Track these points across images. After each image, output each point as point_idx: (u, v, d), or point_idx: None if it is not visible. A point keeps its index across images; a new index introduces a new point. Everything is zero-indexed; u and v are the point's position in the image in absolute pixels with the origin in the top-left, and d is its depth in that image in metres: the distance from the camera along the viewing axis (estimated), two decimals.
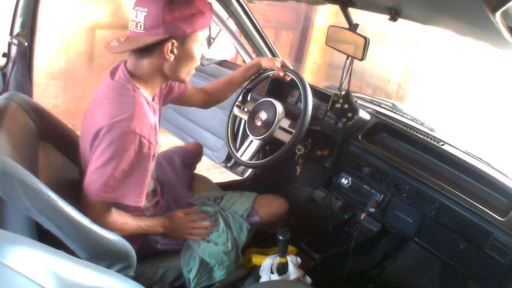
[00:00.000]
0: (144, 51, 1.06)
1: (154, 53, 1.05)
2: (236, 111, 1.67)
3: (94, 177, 1.00)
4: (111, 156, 0.98)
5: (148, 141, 1.02)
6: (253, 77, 1.62)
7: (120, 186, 1.01)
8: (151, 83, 1.12)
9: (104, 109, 1.02)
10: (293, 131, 1.43)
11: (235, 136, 1.76)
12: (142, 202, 1.07)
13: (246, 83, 1.66)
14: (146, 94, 1.11)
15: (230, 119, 1.68)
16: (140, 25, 1.01)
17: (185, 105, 1.52)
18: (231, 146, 1.64)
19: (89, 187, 1.01)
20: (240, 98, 1.67)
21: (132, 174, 1.01)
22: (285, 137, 1.49)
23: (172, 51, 1.05)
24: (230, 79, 1.55)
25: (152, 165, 1.18)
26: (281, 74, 1.49)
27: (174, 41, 1.04)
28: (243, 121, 1.83)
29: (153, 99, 1.17)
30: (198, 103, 1.54)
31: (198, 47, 1.11)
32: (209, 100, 1.55)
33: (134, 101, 1.03)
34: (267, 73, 1.57)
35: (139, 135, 0.99)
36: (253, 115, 1.58)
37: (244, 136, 1.78)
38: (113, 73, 1.12)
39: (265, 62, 1.52)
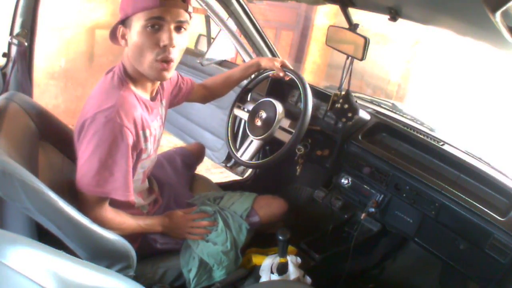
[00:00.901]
0: (116, 40, 1.08)
1: (119, 42, 1.06)
2: (236, 111, 1.67)
3: (84, 172, 1.00)
4: (95, 146, 0.97)
5: (130, 132, 1.01)
6: (252, 76, 1.62)
7: (109, 179, 1.00)
8: (139, 79, 1.10)
9: (90, 101, 1.03)
10: (293, 131, 1.43)
11: (235, 136, 1.76)
12: (131, 197, 1.06)
13: (246, 82, 1.66)
14: (138, 91, 1.11)
15: (230, 119, 1.68)
16: None
17: (187, 101, 1.52)
18: (231, 146, 1.64)
19: (80, 183, 1.01)
20: (239, 98, 1.67)
21: (117, 165, 1.00)
22: (285, 137, 1.49)
23: (123, 37, 1.04)
24: (228, 77, 1.56)
25: (146, 162, 1.18)
26: (281, 74, 1.49)
27: (121, 26, 1.03)
28: (243, 121, 1.83)
29: (152, 99, 1.17)
30: (199, 99, 1.55)
31: (145, 32, 0.98)
32: (208, 95, 1.57)
33: (119, 93, 1.03)
34: (267, 73, 1.57)
35: (119, 124, 0.98)
36: (253, 115, 1.58)
37: (244, 136, 1.78)
38: (109, 70, 1.12)
39: (264, 62, 1.52)
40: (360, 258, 1.70)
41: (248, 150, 1.58)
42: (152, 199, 1.35)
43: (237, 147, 1.66)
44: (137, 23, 0.99)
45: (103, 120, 0.97)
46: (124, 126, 0.99)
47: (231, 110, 1.68)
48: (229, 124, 1.68)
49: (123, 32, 1.04)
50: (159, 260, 1.30)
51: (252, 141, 1.57)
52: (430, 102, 4.65)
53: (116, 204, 1.11)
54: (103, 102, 1.00)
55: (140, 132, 1.07)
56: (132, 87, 1.09)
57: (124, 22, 1.02)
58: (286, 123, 1.52)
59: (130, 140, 1.02)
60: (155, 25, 0.98)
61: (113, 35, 1.08)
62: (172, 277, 1.30)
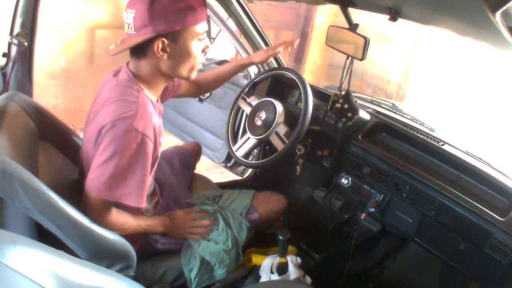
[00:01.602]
0: (139, 52, 1.05)
1: (148, 53, 1.05)
2: (240, 102, 1.66)
3: (96, 175, 0.99)
4: (113, 153, 0.97)
5: (150, 141, 1.02)
6: (262, 70, 1.62)
7: (122, 185, 1.00)
8: (155, 83, 1.11)
9: (108, 107, 1.02)
10: (287, 141, 1.43)
11: (235, 136, 1.77)
12: (144, 204, 1.06)
13: (254, 76, 1.66)
14: (150, 95, 1.10)
15: (231, 117, 1.68)
16: (131, 27, 1.01)
17: (176, 98, 1.51)
18: (231, 145, 1.64)
19: (90, 185, 1.00)
20: (246, 90, 1.67)
21: (133, 173, 1.00)
22: (279, 144, 1.49)
23: (163, 50, 1.03)
24: (220, 73, 1.56)
25: (155, 165, 1.18)
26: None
27: (163, 39, 1.02)
28: (243, 121, 1.83)
29: (157, 100, 1.17)
30: (188, 95, 1.54)
31: (196, 43, 1.07)
32: (198, 92, 1.56)
33: (138, 100, 1.02)
34: (275, 72, 1.57)
35: (141, 133, 0.98)
36: (253, 113, 1.58)
37: (244, 132, 1.78)
38: (116, 74, 1.12)
39: (257, 59, 1.53)
40: (360, 258, 1.70)
41: (245, 145, 1.59)
42: (155, 202, 1.35)
43: (236, 143, 1.67)
44: (189, 35, 1.05)
45: (123, 128, 0.97)
46: (145, 135, 0.99)
47: (231, 110, 1.68)
48: (230, 122, 1.68)
49: (163, 45, 1.03)
50: (159, 260, 1.30)
51: (249, 137, 1.58)
52: (430, 102, 4.65)
53: (122, 207, 1.11)
54: (122, 109, 0.99)
55: (158, 139, 1.07)
56: (146, 91, 1.09)
57: (166, 35, 1.02)
58: (282, 130, 1.51)
59: (150, 149, 1.02)
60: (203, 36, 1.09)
61: (140, 50, 1.05)
62: (172, 277, 1.30)
